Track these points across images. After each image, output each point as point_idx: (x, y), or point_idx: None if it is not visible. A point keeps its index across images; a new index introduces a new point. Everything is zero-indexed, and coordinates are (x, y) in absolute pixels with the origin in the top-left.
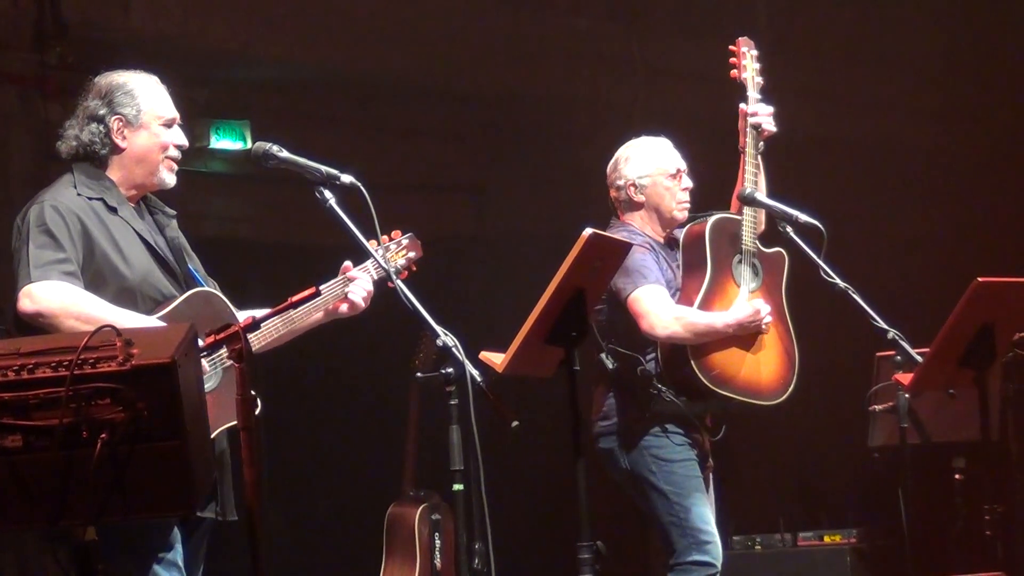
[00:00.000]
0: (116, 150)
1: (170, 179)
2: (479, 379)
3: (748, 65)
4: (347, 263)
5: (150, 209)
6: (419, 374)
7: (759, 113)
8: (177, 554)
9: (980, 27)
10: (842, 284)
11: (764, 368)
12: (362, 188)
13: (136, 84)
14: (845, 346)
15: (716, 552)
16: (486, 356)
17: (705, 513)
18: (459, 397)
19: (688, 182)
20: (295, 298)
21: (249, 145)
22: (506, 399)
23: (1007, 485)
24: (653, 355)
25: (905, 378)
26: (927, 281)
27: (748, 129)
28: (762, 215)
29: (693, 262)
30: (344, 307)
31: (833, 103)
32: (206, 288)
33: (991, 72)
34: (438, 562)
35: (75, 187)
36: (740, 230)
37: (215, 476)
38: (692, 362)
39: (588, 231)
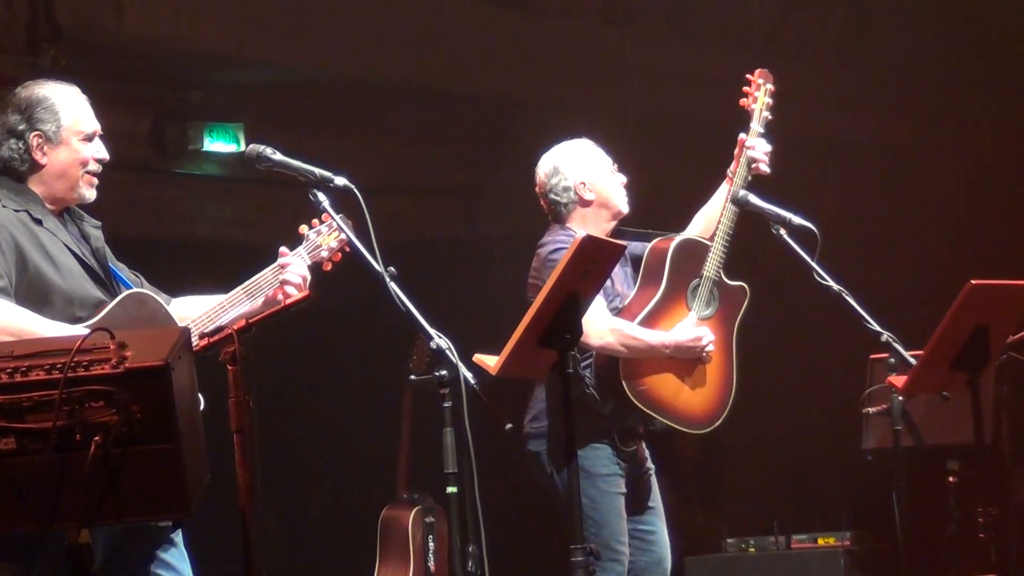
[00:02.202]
0: (36, 167)
1: (90, 194)
2: (473, 381)
3: (760, 98)
4: (282, 248)
5: (74, 220)
6: (413, 376)
7: (757, 149)
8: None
9: (973, 28)
10: (836, 286)
11: (695, 397)
12: (355, 190)
13: (57, 98)
14: (839, 348)
15: (620, 570)
16: (480, 359)
17: (618, 530)
18: (453, 399)
19: (623, 177)
20: (288, 301)
21: (242, 148)
22: (500, 401)
23: (1001, 488)
24: (588, 362)
25: (899, 380)
26: (921, 283)
27: (742, 160)
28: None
29: (649, 277)
30: (281, 295)
31: (826, 105)
32: (138, 290)
33: (984, 74)
34: (432, 565)
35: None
36: (706, 255)
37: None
38: (621, 373)
39: (582, 234)
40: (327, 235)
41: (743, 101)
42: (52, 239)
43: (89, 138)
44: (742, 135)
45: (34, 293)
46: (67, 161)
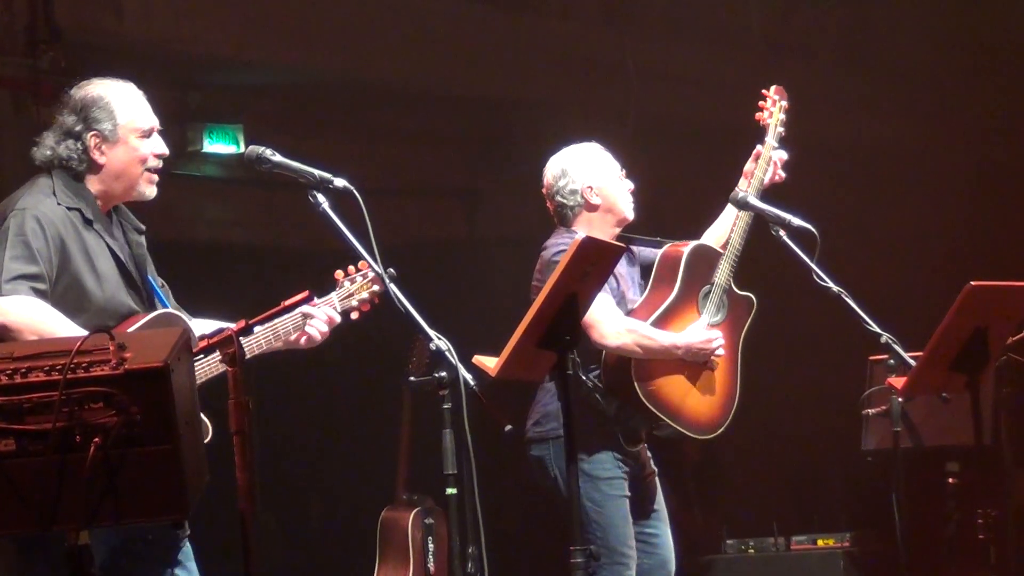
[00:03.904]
0: (95, 166)
1: (150, 191)
2: (472, 383)
3: (775, 112)
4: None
5: (120, 222)
6: (412, 378)
7: (772, 157)
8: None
9: (972, 30)
10: (835, 288)
11: (701, 403)
12: (355, 192)
13: (112, 96)
14: (838, 350)
15: (628, 574)
16: (479, 360)
17: (624, 534)
18: (452, 401)
19: (630, 183)
20: (287, 302)
21: (242, 149)
22: (499, 403)
23: (1000, 489)
24: (596, 367)
25: (898, 382)
26: (920, 285)
27: (755, 175)
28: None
29: (661, 281)
30: (303, 339)
31: (825, 106)
32: (169, 311)
33: (983, 75)
34: (431, 566)
35: (54, 195)
36: (718, 262)
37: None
38: (633, 374)
39: (581, 235)
40: (361, 284)
41: (758, 115)
42: (98, 242)
43: (147, 134)
44: (758, 147)
45: (70, 297)
46: (126, 160)
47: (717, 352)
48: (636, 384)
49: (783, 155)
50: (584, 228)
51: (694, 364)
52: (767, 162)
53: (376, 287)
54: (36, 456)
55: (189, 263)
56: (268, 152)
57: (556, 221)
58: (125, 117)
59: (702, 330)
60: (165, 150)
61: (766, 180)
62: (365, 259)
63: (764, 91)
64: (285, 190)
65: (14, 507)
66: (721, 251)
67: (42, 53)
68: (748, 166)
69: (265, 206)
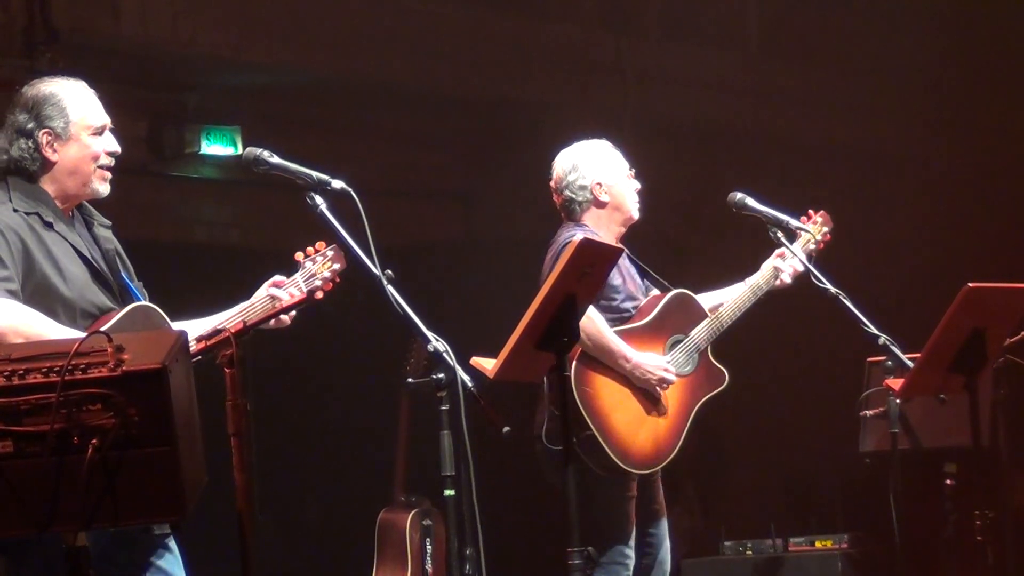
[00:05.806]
0: (47, 164)
1: (103, 188)
2: (470, 385)
3: (814, 231)
4: (278, 277)
5: (85, 219)
6: (410, 380)
7: (788, 262)
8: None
9: (970, 34)
10: (833, 290)
11: (639, 438)
12: (353, 194)
13: (64, 94)
14: (836, 351)
15: (625, 574)
16: (477, 362)
17: (626, 534)
18: (450, 403)
19: (637, 183)
20: (287, 303)
21: (240, 151)
22: (497, 404)
23: (998, 491)
24: None
25: (896, 383)
26: (918, 287)
27: (770, 268)
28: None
29: (641, 313)
30: (271, 321)
31: (823, 109)
32: (145, 303)
33: (981, 78)
34: (429, 568)
35: (11, 201)
36: (699, 321)
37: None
38: (580, 378)
39: (579, 236)
40: (322, 264)
41: (803, 218)
42: (62, 244)
43: (99, 132)
44: (782, 249)
45: (38, 299)
46: (78, 157)
47: (662, 384)
48: (575, 386)
49: (800, 268)
50: (591, 224)
51: (641, 397)
52: (783, 261)
53: (337, 265)
54: (34, 458)
55: (187, 264)
56: (266, 154)
57: (563, 215)
58: (77, 114)
59: (659, 359)
60: (117, 148)
61: (775, 282)
62: (357, 255)
63: (811, 210)
64: (283, 192)
65: (12, 509)
66: (708, 313)
67: (40, 55)
68: (770, 260)
69: (263, 208)
